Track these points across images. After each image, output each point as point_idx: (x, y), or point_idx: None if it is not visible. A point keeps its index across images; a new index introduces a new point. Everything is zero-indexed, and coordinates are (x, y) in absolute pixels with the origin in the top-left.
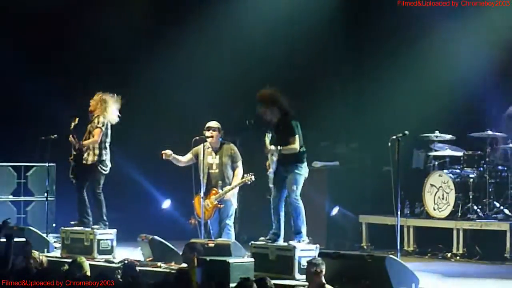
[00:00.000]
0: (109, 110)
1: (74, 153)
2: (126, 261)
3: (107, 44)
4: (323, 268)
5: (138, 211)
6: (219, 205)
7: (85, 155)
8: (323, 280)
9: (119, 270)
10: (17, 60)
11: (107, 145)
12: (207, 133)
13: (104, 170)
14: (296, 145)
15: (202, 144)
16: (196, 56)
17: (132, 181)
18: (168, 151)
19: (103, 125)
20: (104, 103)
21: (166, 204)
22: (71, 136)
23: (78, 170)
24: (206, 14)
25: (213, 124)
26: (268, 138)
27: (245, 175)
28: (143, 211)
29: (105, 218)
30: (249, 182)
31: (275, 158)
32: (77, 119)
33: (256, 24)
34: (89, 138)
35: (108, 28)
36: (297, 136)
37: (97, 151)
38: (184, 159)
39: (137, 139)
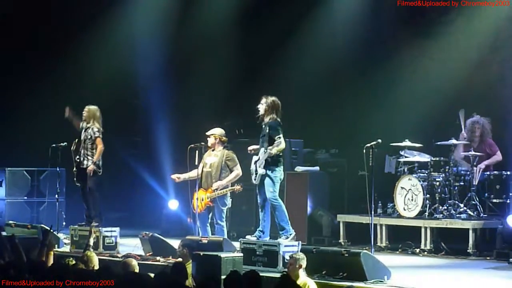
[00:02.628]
0: (99, 120)
1: (77, 161)
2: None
3: None
4: (303, 262)
5: (144, 210)
6: (210, 203)
7: (85, 161)
8: (302, 272)
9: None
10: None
11: None
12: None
13: (99, 172)
14: (282, 144)
15: (197, 150)
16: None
17: (138, 183)
18: (176, 175)
19: (100, 133)
20: (95, 114)
21: (174, 204)
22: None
23: (80, 176)
24: None
25: (209, 132)
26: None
27: (236, 184)
28: (148, 210)
29: (101, 214)
30: (237, 192)
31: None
32: (77, 140)
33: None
34: (85, 147)
35: None
36: (281, 136)
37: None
38: (198, 172)
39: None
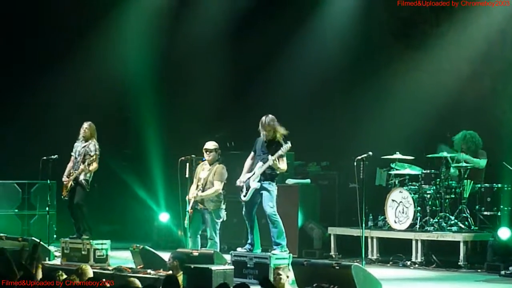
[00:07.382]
0: (96, 137)
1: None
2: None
3: None
4: (289, 274)
5: (134, 223)
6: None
7: (81, 176)
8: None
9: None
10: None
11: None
12: (205, 155)
13: (88, 188)
14: (284, 166)
15: (188, 162)
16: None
17: (129, 195)
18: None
19: (98, 151)
20: (94, 130)
21: (165, 217)
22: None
23: (72, 190)
24: None
25: (209, 146)
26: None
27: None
28: (138, 223)
29: (90, 228)
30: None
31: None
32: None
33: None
34: (83, 161)
35: None
36: (285, 158)
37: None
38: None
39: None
